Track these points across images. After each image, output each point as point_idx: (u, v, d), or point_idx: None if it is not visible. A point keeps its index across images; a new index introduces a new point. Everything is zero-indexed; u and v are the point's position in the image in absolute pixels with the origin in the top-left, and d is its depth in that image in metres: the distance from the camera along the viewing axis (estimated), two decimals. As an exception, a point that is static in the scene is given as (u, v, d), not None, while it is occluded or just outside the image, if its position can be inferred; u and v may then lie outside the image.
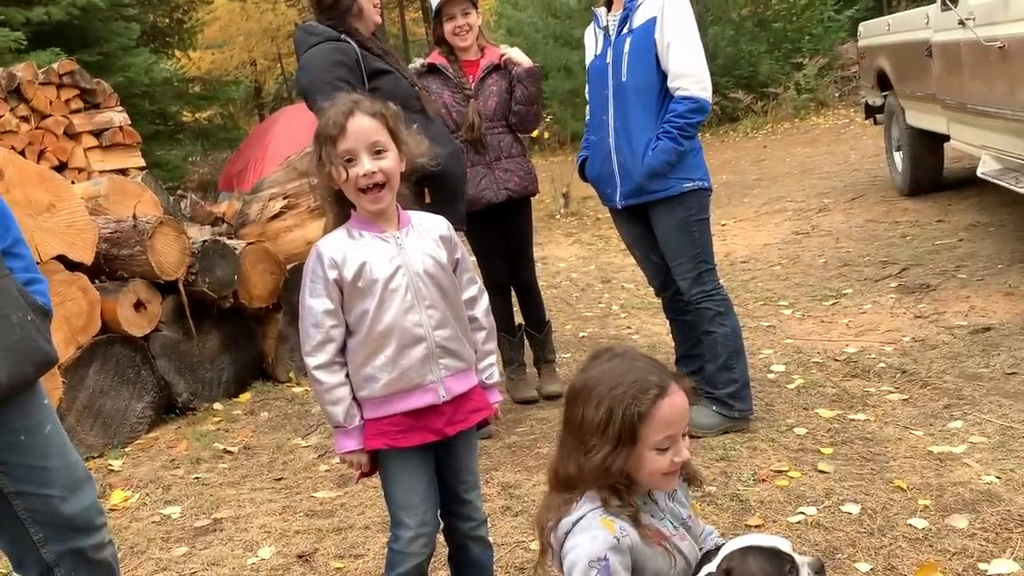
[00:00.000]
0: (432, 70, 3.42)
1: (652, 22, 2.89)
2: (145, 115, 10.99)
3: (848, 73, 15.95)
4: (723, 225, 7.59)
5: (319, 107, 2.78)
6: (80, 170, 5.55)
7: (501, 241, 3.51)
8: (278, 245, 4.14)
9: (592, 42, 3.19)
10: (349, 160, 1.70)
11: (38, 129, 5.33)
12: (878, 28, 7.08)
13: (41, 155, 5.32)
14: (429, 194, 2.77)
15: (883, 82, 6.95)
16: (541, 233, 8.54)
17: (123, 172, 5.82)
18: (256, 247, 3.86)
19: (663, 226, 3.04)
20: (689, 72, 2.87)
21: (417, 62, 3.47)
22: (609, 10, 3.11)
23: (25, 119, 5.27)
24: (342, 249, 1.74)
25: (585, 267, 6.55)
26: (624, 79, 2.97)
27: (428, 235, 1.83)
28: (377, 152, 1.72)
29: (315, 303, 1.72)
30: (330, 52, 2.73)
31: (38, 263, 3.17)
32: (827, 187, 8.40)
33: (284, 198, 4.28)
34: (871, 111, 7.65)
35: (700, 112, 2.89)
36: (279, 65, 16.69)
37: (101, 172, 5.65)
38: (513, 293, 3.66)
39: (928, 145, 6.39)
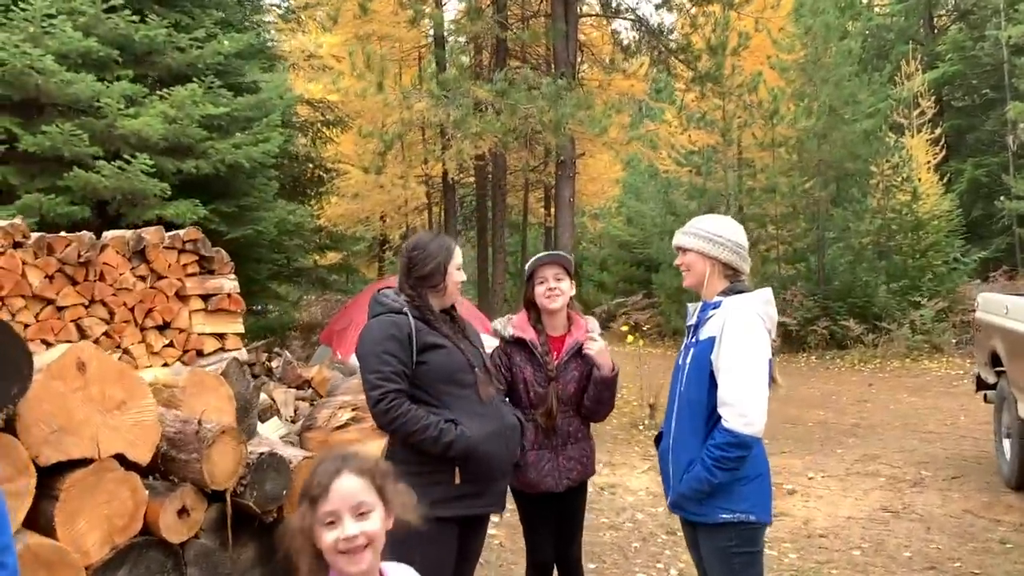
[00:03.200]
0: (519, 342, 3.42)
1: (711, 342, 2.81)
2: (268, 260, 11.61)
3: (968, 319, 15.43)
4: (809, 478, 7.22)
5: (367, 379, 2.85)
6: (181, 331, 5.80)
7: (552, 520, 3.41)
8: (337, 456, 4.13)
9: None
10: (331, 522, 1.66)
11: (152, 289, 5.64)
12: (996, 307, 6.82)
13: (149, 313, 5.60)
14: (460, 474, 2.73)
15: (996, 361, 6.63)
16: (618, 449, 8.34)
17: (221, 336, 6.07)
18: (311, 462, 3.86)
19: (704, 549, 2.88)
20: (734, 403, 2.71)
21: (507, 330, 3.45)
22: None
23: (142, 278, 5.60)
24: None
25: (654, 507, 6.28)
26: (682, 388, 2.90)
27: None
28: (361, 513, 1.68)
29: None
30: (386, 326, 2.89)
31: (97, 460, 3.27)
32: (927, 454, 7.94)
33: (353, 409, 4.31)
34: (982, 386, 7.27)
35: (740, 447, 2.70)
36: (405, 222, 17.54)
37: (200, 334, 5.90)
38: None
39: (1040, 443, 5.98)
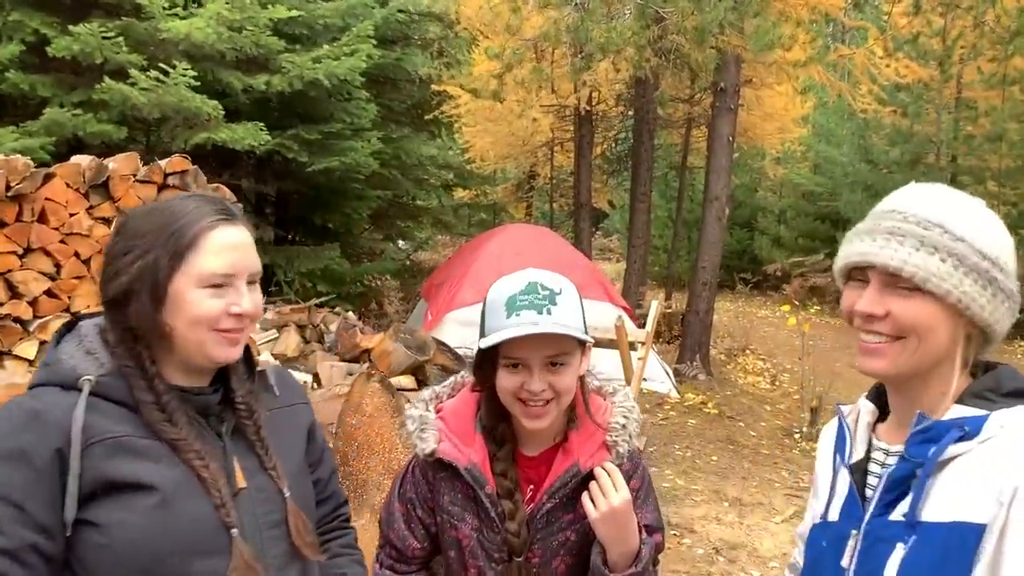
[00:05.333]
0: (445, 467, 1.56)
1: (973, 535, 1.00)
2: (370, 196, 10.24)
3: None
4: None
5: None
6: (161, 291, 4.41)
7: None
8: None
9: (825, 471, 1.30)
10: None
11: (118, 235, 4.26)
12: None
13: (112, 267, 4.24)
14: None
15: None
16: (758, 471, 6.34)
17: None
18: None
19: None
20: None
21: (426, 438, 1.55)
22: (875, 427, 1.24)
23: (104, 220, 4.23)
24: None
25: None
26: None
27: None
28: None
29: None
30: (18, 424, 1.19)
31: None
32: None
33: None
34: None
35: None
36: (550, 159, 15.71)
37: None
38: None
39: None
